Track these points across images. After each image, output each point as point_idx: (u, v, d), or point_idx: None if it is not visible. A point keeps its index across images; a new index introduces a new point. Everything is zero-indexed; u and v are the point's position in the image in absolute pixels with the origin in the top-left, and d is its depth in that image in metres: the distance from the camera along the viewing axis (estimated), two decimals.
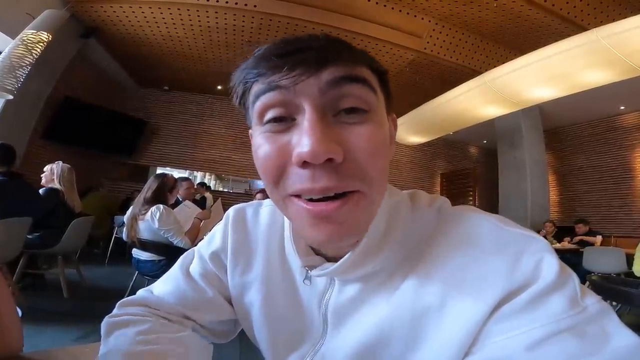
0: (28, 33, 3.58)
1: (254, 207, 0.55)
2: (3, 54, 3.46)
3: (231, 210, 0.56)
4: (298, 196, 0.35)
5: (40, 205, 2.80)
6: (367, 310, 0.40)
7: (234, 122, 7.59)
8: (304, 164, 0.32)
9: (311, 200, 0.34)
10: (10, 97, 3.48)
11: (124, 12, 4.73)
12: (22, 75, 3.46)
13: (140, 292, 0.54)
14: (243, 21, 4.84)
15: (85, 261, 4.04)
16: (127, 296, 0.53)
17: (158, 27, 5.08)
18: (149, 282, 0.54)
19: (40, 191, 2.92)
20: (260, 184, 5.53)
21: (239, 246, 0.52)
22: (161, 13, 4.75)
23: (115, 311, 0.51)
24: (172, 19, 4.87)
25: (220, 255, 0.53)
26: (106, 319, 0.48)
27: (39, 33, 3.63)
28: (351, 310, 0.41)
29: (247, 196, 7.28)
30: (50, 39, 3.71)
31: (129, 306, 0.51)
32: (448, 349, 0.33)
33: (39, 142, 5.13)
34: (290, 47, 0.35)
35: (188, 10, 4.66)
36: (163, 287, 0.53)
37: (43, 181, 3.03)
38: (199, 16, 4.79)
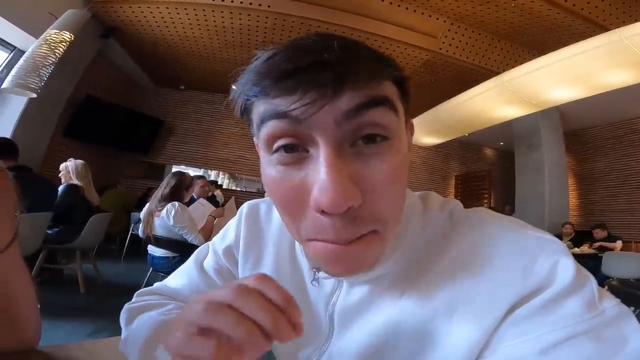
0: (51, 33, 3.66)
1: (267, 204, 0.55)
2: (27, 53, 3.55)
3: (245, 206, 0.56)
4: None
5: (56, 198, 2.86)
6: (375, 313, 0.39)
7: None
8: (323, 212, 0.30)
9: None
10: (34, 95, 3.56)
11: (142, 12, 4.82)
12: (45, 74, 3.53)
13: (156, 285, 0.56)
14: (257, 21, 4.87)
15: (102, 257, 4.12)
16: None
17: (175, 27, 5.16)
18: (162, 279, 0.57)
19: (60, 187, 2.99)
20: None
21: (251, 241, 0.52)
22: (177, 13, 4.82)
23: (134, 300, 0.52)
24: (188, 19, 4.93)
25: (233, 250, 0.54)
26: (126, 307, 0.49)
27: (61, 33, 3.70)
28: (358, 312, 0.41)
29: (260, 195, 7.30)
30: (72, 38, 3.80)
31: (146, 295, 0.53)
32: (458, 353, 0.33)
33: (60, 140, 5.26)
34: (299, 60, 0.30)
35: (204, 10, 4.72)
36: (177, 280, 0.54)
37: (62, 180, 3.09)
38: (214, 16, 4.84)
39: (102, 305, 2.73)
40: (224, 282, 0.53)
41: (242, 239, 0.53)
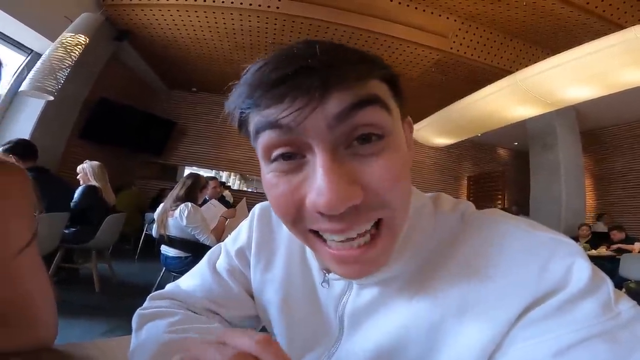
0: (67, 36, 3.72)
1: None
2: (43, 56, 3.62)
3: (257, 207, 0.57)
4: (318, 234, 0.34)
5: (72, 199, 2.92)
6: (384, 315, 0.39)
7: None
8: (320, 212, 0.31)
9: (333, 240, 0.33)
10: (51, 98, 3.61)
11: (154, 15, 4.90)
12: (62, 77, 3.58)
13: (169, 286, 0.56)
14: (266, 23, 4.90)
15: (117, 256, 4.19)
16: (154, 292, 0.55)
17: (186, 29, 5.23)
18: (175, 278, 0.59)
19: (79, 189, 3.05)
20: None
21: (263, 243, 0.53)
22: (188, 16, 4.88)
23: (145, 304, 0.53)
24: (199, 21, 4.99)
25: (245, 251, 0.54)
26: (138, 312, 0.49)
27: (76, 36, 3.76)
28: (368, 314, 0.41)
29: None
30: (87, 41, 3.85)
31: (158, 299, 0.53)
32: (469, 355, 0.33)
33: (76, 142, 5.34)
34: (285, 69, 0.30)
35: (214, 13, 4.76)
36: (190, 281, 0.55)
37: (81, 182, 3.15)
38: (224, 19, 4.88)
39: (116, 305, 2.78)
40: (236, 283, 0.53)
41: (254, 240, 0.53)
